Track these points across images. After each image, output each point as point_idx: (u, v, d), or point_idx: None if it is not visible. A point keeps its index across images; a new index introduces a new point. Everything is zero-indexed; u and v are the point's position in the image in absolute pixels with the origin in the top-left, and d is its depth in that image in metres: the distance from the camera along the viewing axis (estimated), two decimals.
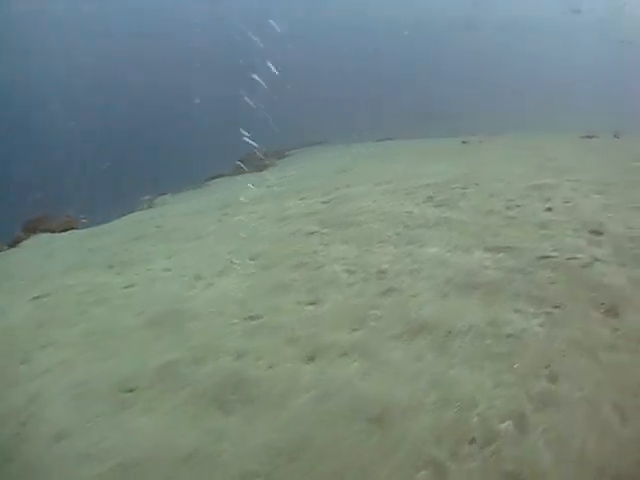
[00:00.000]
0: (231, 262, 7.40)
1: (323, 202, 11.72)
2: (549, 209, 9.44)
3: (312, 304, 5.83)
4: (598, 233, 8.31)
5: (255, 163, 18.92)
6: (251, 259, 7.36)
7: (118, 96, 24.14)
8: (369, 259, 7.06)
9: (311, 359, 4.77)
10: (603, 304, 5.81)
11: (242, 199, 13.00)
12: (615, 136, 16.66)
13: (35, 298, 7.23)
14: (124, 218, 14.52)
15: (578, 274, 6.44)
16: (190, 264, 7.82)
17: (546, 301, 5.49)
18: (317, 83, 28.50)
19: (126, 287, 7.20)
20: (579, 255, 6.87)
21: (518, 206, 9.77)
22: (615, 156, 13.93)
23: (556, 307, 5.33)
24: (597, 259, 7.36)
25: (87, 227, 13.00)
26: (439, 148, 17.37)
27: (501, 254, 7.96)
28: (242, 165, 18.13)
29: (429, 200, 10.63)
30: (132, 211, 15.02)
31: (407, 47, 33.37)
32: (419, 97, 26.50)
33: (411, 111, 24.24)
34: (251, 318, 5.67)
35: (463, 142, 18.21)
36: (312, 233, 8.34)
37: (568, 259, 7.32)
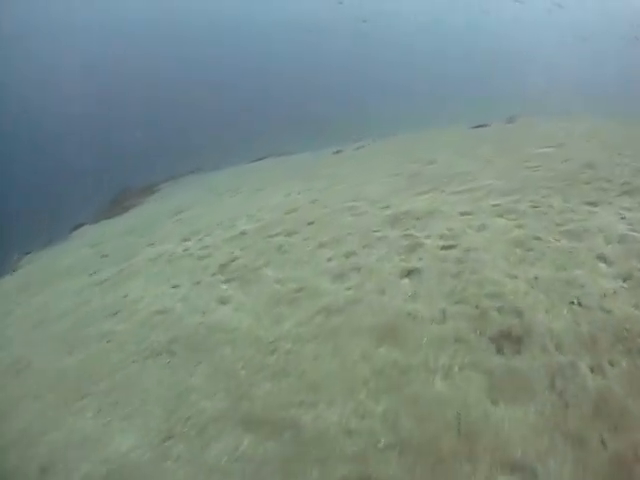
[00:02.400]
0: None
1: (99, 284, 7.02)
2: (409, 274, 4.25)
3: None
4: (516, 339, 3.18)
5: (125, 203, 15.10)
6: None
7: None
8: None
9: None
10: None
11: (48, 276, 8.96)
12: (509, 122, 12.20)
13: None
14: None
15: None
16: None
17: None
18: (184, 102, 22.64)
19: None
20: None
21: (356, 269, 4.63)
22: (510, 144, 9.28)
23: None
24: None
25: None
26: (301, 164, 12.49)
27: (265, 439, 2.64)
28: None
29: (221, 271, 5.49)
30: None
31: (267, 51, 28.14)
32: (301, 107, 21.28)
33: (292, 123, 19.10)
34: None
35: (336, 152, 13.73)
36: None
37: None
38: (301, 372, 3.31)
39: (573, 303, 3.50)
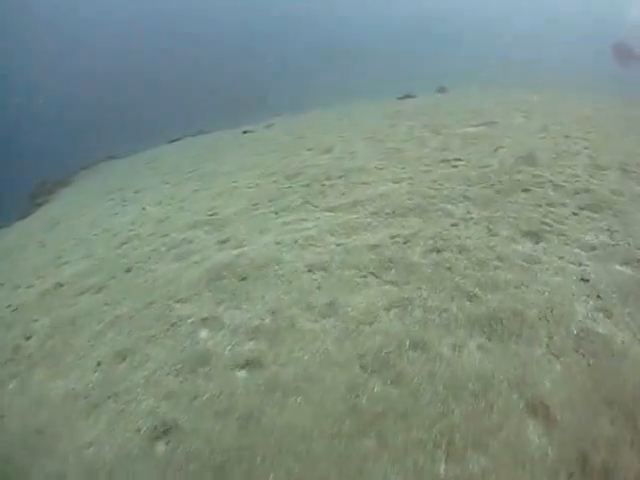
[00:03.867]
0: None
1: None
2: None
3: None
4: None
5: (38, 199, 12.99)
6: None
7: None
8: None
9: None
10: None
11: None
12: (438, 92, 9.66)
13: None
14: None
15: None
16: None
17: None
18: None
19: None
20: None
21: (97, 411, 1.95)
22: (433, 122, 6.89)
23: None
24: None
25: None
26: (201, 149, 10.49)
27: None
28: None
29: (12, 358, 3.31)
30: None
31: None
32: (223, 82, 18.47)
33: (216, 98, 16.61)
34: None
35: (245, 132, 11.20)
36: None
37: None
38: None
39: None
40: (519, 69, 11.82)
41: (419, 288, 2.68)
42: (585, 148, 5.24)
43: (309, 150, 6.88)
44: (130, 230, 5.62)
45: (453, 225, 3.38)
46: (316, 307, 2.61)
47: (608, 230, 3.35)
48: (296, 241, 3.49)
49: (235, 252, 3.69)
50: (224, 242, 4.08)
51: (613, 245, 3.08)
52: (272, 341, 2.44)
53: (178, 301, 3.25)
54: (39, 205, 12.65)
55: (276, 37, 23.10)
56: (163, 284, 3.65)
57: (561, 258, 2.93)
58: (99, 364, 2.88)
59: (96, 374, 2.79)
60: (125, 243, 5.17)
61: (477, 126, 6.63)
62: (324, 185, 4.93)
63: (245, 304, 2.88)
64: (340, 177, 5.11)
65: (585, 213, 3.62)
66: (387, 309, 2.50)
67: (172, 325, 2.96)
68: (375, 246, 3.19)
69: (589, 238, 3.22)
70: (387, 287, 2.72)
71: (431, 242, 3.13)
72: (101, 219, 7.13)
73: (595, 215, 3.59)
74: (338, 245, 3.31)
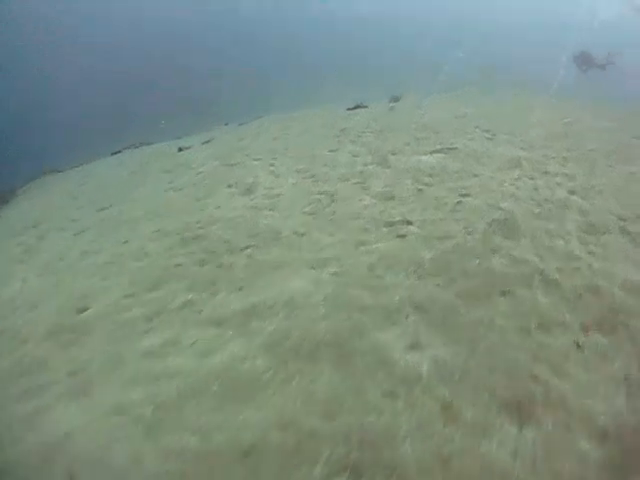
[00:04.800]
0: None
1: None
2: None
3: None
4: None
5: None
6: None
7: None
8: None
9: None
10: None
11: None
12: (392, 101, 8.30)
13: None
14: None
15: None
16: None
17: None
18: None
19: None
20: None
21: None
22: (380, 147, 5.78)
23: None
24: None
25: None
26: (120, 177, 8.81)
27: None
28: None
29: None
30: None
31: None
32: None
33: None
34: None
35: (180, 149, 9.57)
36: None
37: None
38: None
39: None
40: (476, 74, 10.53)
41: None
42: (571, 193, 3.96)
43: (229, 187, 5.40)
44: (3, 318, 3.96)
45: (387, 396, 1.97)
46: None
47: (626, 381, 2.06)
48: (141, 417, 2.03)
49: (68, 419, 2.20)
50: (71, 376, 2.59)
51: (633, 427, 1.77)
52: None
53: None
54: None
55: (230, 37, 21.14)
56: None
57: None
58: None
59: None
60: None
61: (433, 153, 5.30)
62: (220, 266, 3.46)
63: None
64: (245, 248, 3.65)
65: (593, 341, 2.30)
66: None
67: None
68: (248, 452, 1.76)
69: (600, 409, 1.90)
70: None
71: (344, 451, 1.71)
72: None
73: (606, 343, 2.29)
74: (196, 434, 1.87)
